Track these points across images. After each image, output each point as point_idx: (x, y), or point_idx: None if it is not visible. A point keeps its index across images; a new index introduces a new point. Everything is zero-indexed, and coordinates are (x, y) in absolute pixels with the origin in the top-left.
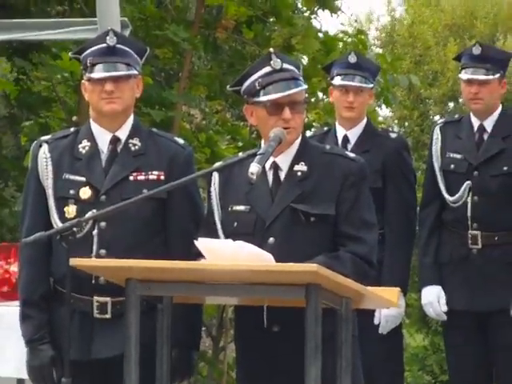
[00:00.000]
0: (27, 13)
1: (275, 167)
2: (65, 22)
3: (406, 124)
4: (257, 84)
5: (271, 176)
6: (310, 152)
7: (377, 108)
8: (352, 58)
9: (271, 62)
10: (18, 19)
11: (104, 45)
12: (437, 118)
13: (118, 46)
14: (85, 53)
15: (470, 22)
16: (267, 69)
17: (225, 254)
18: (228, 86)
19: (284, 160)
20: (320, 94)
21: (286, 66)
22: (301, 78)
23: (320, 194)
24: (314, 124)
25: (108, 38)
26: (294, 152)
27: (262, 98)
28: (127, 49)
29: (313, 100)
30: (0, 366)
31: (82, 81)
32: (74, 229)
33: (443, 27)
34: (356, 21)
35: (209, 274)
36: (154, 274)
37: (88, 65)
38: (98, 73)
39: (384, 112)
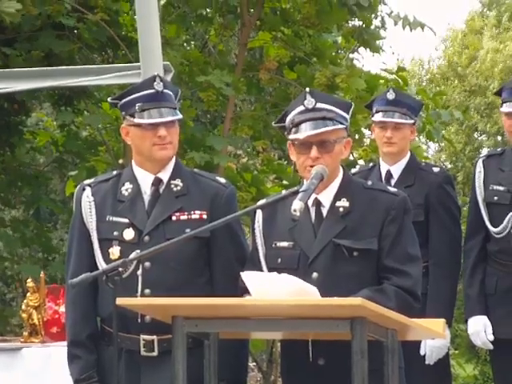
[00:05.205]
0: (72, 60)
1: (317, 204)
2: (108, 67)
3: (454, 159)
4: (291, 122)
5: (314, 212)
6: (352, 188)
7: (423, 145)
8: (390, 95)
9: (304, 102)
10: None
11: (152, 90)
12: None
13: (165, 91)
14: (130, 97)
15: None
16: (300, 108)
17: (270, 287)
18: (273, 122)
19: (326, 196)
20: (366, 131)
21: (319, 105)
22: (335, 118)
23: (362, 229)
24: (359, 161)
25: (155, 83)
26: (335, 188)
27: (293, 136)
28: (171, 93)
29: (357, 137)
30: None
31: (123, 125)
32: (120, 269)
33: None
34: (398, 59)
35: (254, 310)
36: (200, 311)
37: (137, 110)
38: (151, 118)
39: (434, 146)
